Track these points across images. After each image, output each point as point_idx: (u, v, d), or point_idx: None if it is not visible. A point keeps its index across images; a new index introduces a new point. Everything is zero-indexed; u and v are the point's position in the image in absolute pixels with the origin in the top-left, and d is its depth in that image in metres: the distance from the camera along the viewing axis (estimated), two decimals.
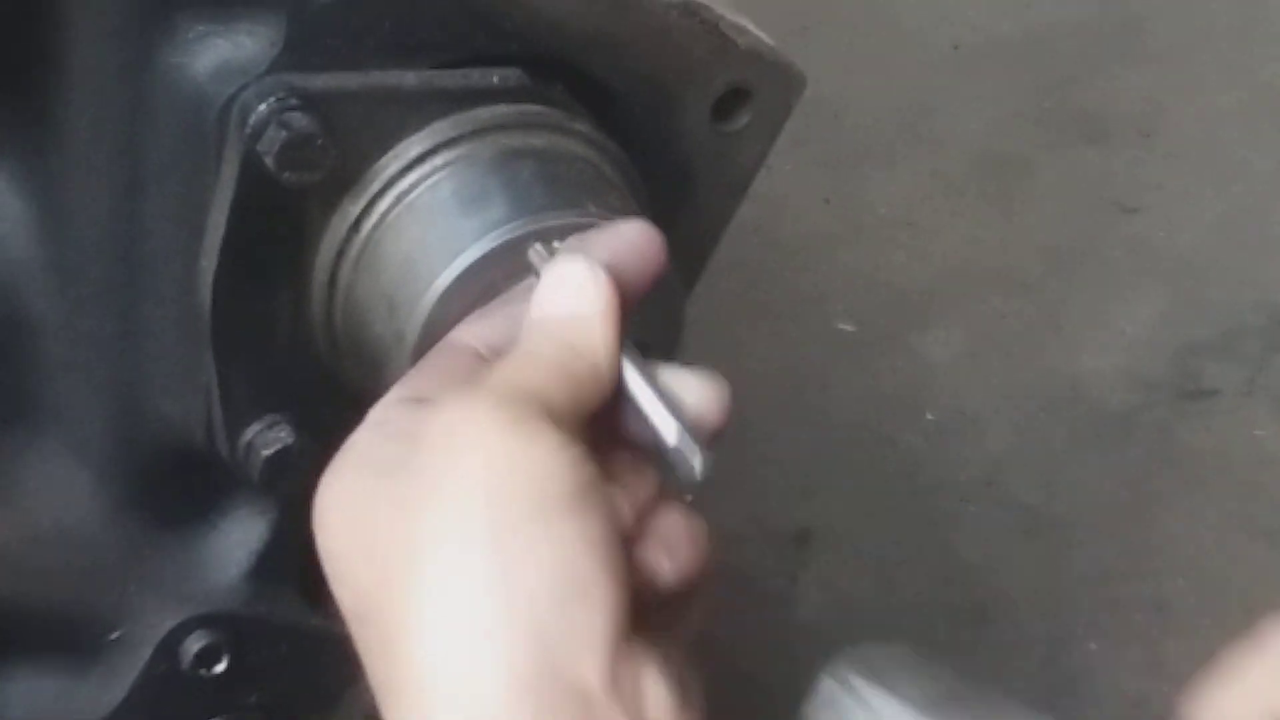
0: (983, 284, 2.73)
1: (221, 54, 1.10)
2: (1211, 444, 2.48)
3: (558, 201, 1.09)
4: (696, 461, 0.95)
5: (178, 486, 1.22)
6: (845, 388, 2.58)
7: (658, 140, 1.20)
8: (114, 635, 1.24)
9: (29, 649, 1.24)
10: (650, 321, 1.17)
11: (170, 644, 1.23)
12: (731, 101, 1.22)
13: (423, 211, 1.09)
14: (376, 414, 0.94)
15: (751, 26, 1.22)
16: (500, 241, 1.06)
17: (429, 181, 1.09)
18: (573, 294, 0.95)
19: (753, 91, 1.22)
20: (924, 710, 1.01)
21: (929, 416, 2.55)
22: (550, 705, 0.82)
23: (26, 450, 1.21)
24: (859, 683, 1.04)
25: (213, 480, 1.21)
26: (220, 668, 1.25)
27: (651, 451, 0.95)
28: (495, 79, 1.11)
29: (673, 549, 0.95)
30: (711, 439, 0.96)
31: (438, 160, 1.09)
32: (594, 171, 1.14)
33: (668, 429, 0.94)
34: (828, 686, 1.05)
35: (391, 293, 1.07)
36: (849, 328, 2.66)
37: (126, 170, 1.12)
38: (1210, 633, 2.31)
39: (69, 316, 1.19)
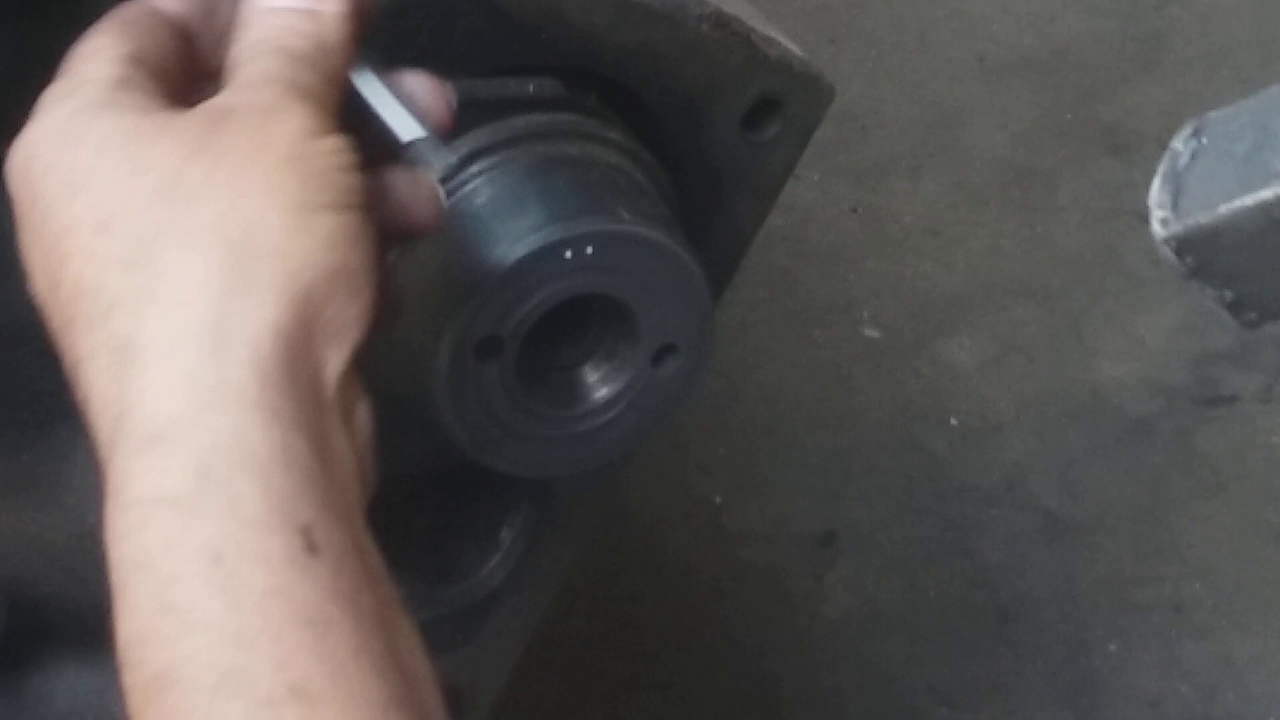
0: (1006, 292, 2.73)
1: None
2: (1229, 450, 2.48)
3: (591, 208, 1.08)
4: (434, 152, 0.92)
5: None
6: (870, 393, 2.58)
7: (689, 149, 1.20)
8: None
9: (75, 643, 1.24)
10: (680, 326, 1.17)
11: None
12: (761, 112, 1.22)
13: (459, 218, 1.08)
14: (98, 68, 0.87)
15: (782, 39, 1.22)
16: (535, 247, 1.06)
17: (466, 188, 1.09)
18: None
19: (782, 102, 1.22)
20: None
21: (953, 422, 2.55)
22: (286, 386, 0.78)
23: (73, 451, 1.21)
24: None
25: None
26: None
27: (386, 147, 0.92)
28: (531, 88, 1.11)
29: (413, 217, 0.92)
30: (441, 132, 0.93)
31: (474, 168, 1.09)
32: (627, 179, 1.14)
33: (405, 127, 0.91)
34: None
35: (429, 299, 1.07)
36: (875, 334, 2.66)
37: None
38: (1227, 634, 2.31)
39: None
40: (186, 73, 0.90)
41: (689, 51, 1.16)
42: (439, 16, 1.06)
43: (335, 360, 0.81)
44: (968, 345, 2.66)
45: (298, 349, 0.79)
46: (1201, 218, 0.96)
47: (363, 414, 0.83)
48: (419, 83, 0.93)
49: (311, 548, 0.76)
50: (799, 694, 2.25)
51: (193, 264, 0.79)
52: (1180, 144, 0.99)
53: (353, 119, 0.89)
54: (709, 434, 2.44)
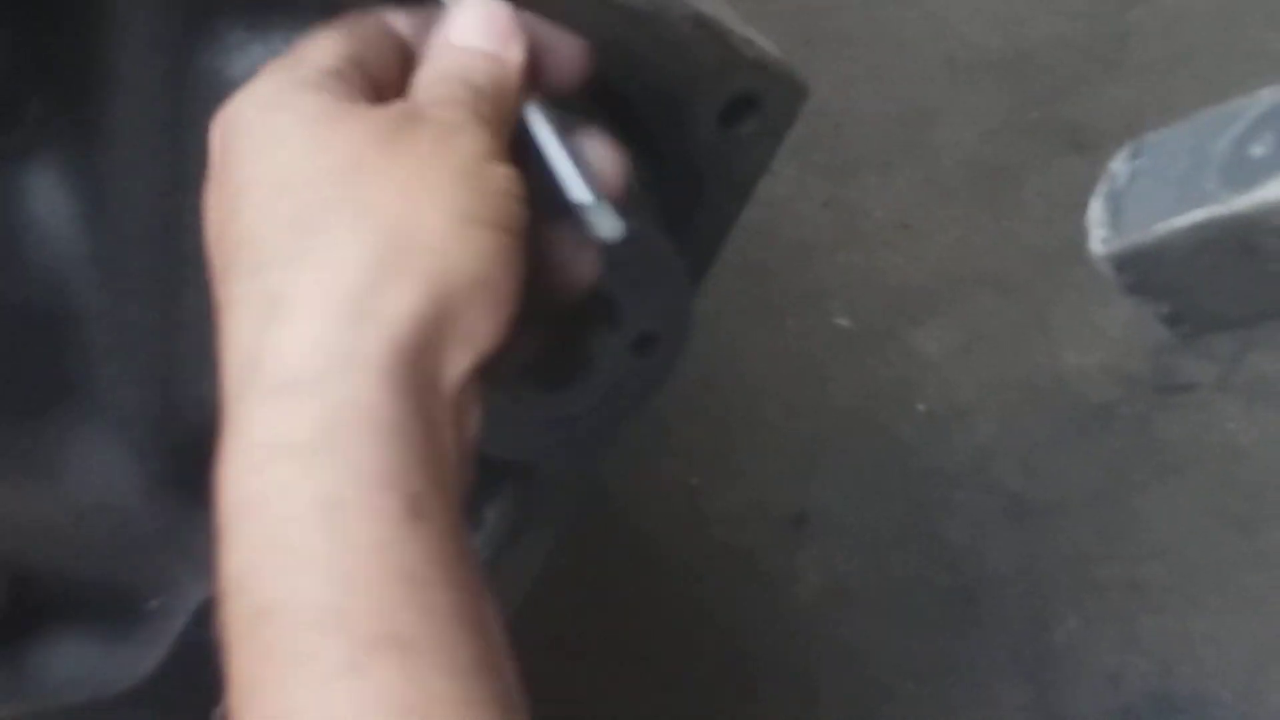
0: (973, 284, 2.73)
1: (258, 60, 1.09)
2: (1186, 436, 2.48)
3: None
4: (608, 222, 0.93)
5: (212, 465, 1.22)
6: (842, 380, 2.58)
7: (669, 144, 1.20)
8: (152, 604, 1.25)
9: (73, 616, 1.25)
10: (660, 315, 1.17)
11: (204, 613, 1.24)
12: (739, 109, 1.22)
13: None
14: (319, 55, 0.91)
15: (759, 39, 1.22)
16: None
17: None
18: (489, 29, 0.94)
19: (759, 100, 1.22)
20: None
21: (921, 408, 2.55)
22: (413, 368, 0.81)
23: (72, 432, 1.21)
24: None
25: None
26: None
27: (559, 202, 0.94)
28: None
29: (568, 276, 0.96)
30: (615, 198, 0.95)
31: None
32: None
33: (579, 189, 0.93)
34: None
35: None
36: (846, 324, 2.66)
37: (168, 169, 1.12)
38: (1184, 612, 2.31)
39: (113, 306, 1.19)
40: (399, 85, 0.93)
41: (670, 51, 1.16)
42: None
43: (460, 362, 0.83)
44: (936, 335, 2.66)
45: (429, 341, 0.82)
46: (1138, 237, 0.96)
47: (473, 420, 0.86)
48: (598, 147, 0.97)
49: (418, 513, 0.79)
50: (772, 668, 2.26)
51: (353, 239, 0.82)
52: (1119, 166, 1.00)
53: (529, 169, 0.92)
54: (686, 420, 2.44)
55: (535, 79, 0.96)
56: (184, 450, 1.21)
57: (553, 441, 1.22)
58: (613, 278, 1.13)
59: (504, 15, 0.95)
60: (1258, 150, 0.91)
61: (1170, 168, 0.96)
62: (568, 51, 0.99)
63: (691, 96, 1.19)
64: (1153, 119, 2.95)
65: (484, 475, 1.31)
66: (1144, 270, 0.95)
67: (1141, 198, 0.96)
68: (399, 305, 0.81)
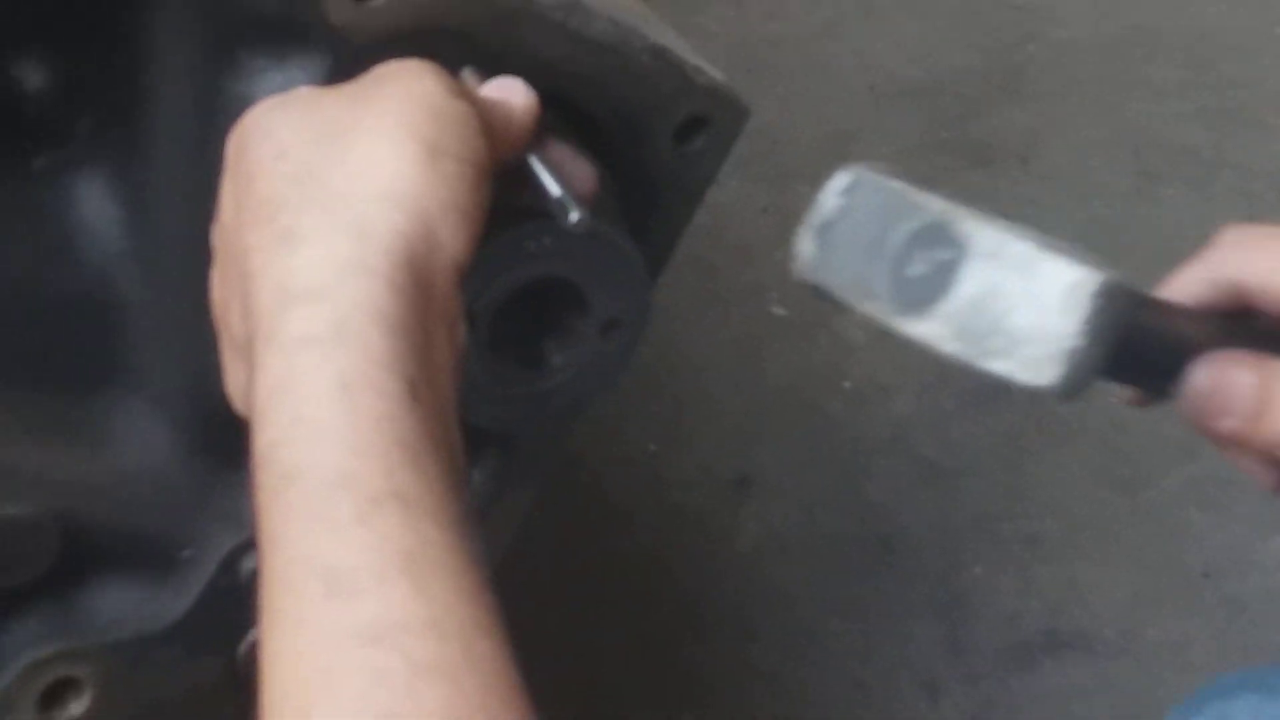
0: None
1: (276, 84, 1.10)
2: (1075, 409, 2.49)
3: None
4: (574, 211, 0.98)
5: (239, 432, 1.22)
6: (778, 361, 2.58)
7: (630, 158, 1.21)
8: (185, 553, 1.25)
9: (117, 564, 1.25)
10: (623, 304, 1.17)
11: (231, 561, 1.24)
12: (690, 128, 1.23)
13: None
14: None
15: (708, 67, 1.22)
16: (503, 240, 1.07)
17: None
18: (508, 89, 1.02)
19: (708, 120, 1.23)
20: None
21: (847, 385, 2.56)
22: (409, 275, 0.85)
23: (118, 406, 1.21)
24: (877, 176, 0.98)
25: None
26: None
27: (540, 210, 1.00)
28: None
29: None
30: (588, 200, 1.01)
31: None
32: None
33: (552, 185, 0.99)
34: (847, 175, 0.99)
35: None
36: (782, 313, 2.67)
37: (199, 179, 1.12)
38: (1073, 562, 2.33)
39: (153, 298, 1.19)
40: None
41: (631, 78, 1.17)
42: (424, 47, 1.06)
43: (444, 272, 0.88)
44: (859, 323, 2.65)
45: (417, 254, 0.86)
46: (827, 286, 0.97)
47: (460, 332, 0.89)
48: (568, 154, 1.04)
49: (415, 395, 0.82)
50: (716, 611, 2.26)
51: (342, 181, 0.88)
52: (829, 199, 0.99)
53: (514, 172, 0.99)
54: (645, 395, 2.44)
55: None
56: (213, 421, 1.21)
57: (531, 414, 1.22)
58: (583, 271, 1.14)
59: (518, 82, 1.02)
60: (916, 270, 0.90)
61: (862, 231, 0.94)
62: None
63: (649, 117, 1.20)
64: (1046, 138, 2.97)
65: (471, 443, 1.32)
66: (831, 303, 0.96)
67: (837, 246, 0.95)
68: (389, 226, 0.86)
